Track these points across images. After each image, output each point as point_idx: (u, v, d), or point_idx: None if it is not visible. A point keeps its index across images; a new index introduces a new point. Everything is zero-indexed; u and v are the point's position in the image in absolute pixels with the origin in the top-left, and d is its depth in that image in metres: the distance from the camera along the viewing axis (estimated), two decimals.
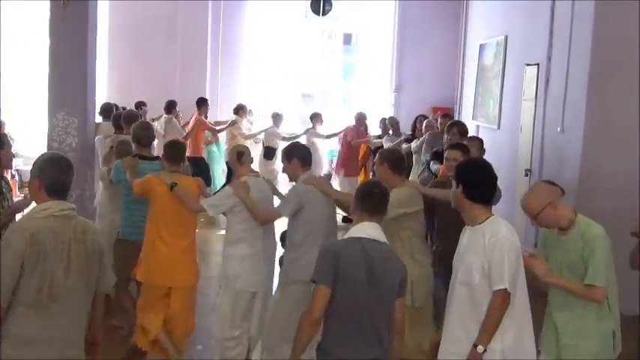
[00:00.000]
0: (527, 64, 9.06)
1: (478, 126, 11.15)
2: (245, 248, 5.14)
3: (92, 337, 3.49)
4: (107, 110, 8.96)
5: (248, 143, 10.92)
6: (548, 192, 3.85)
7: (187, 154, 10.96)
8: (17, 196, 8.83)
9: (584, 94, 7.34)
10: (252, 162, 5.49)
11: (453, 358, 3.60)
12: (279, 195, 5.62)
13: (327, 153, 12.63)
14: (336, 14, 13.55)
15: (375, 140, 11.15)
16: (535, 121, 8.71)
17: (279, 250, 5.51)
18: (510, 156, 9.41)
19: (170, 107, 11.12)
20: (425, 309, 5.26)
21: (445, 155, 5.82)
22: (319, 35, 14.89)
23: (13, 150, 5.49)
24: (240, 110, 11.63)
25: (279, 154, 9.47)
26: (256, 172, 5.54)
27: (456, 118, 11.14)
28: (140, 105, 10.90)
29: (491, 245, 3.51)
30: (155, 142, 8.60)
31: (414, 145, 9.50)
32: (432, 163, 7.34)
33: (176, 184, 5.11)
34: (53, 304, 3.20)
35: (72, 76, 6.68)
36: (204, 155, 11.42)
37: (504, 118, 10.13)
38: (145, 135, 5.94)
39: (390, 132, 10.75)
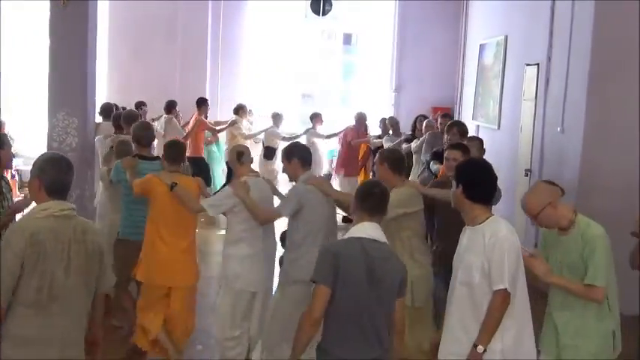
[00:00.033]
0: (527, 64, 9.06)
1: (478, 126, 11.14)
2: (245, 248, 5.14)
3: (92, 337, 3.49)
4: (107, 110, 8.96)
5: (248, 143, 10.92)
6: (548, 192, 3.85)
7: (187, 154, 11.04)
8: (17, 196, 8.83)
9: (584, 94, 7.33)
10: (252, 162, 5.49)
11: (453, 358, 3.60)
12: (279, 195, 5.63)
13: (326, 153, 12.63)
14: (336, 14, 13.55)
15: (374, 140, 11.15)
16: (535, 121, 8.71)
17: (279, 250, 5.51)
18: (510, 156, 9.41)
19: (170, 107, 11.12)
20: (425, 309, 5.26)
21: (445, 155, 5.81)
22: (319, 35, 14.89)
23: (13, 150, 5.49)
24: (240, 110, 11.63)
25: (279, 154, 9.46)
26: (256, 172, 5.54)
27: (455, 118, 11.14)
28: (140, 105, 10.90)
29: (491, 245, 3.51)
30: (155, 142, 8.60)
31: (414, 145, 9.50)
32: (432, 163, 7.34)
33: (176, 184, 5.11)
34: (53, 304, 3.20)
35: (72, 76, 6.68)
36: (205, 155, 11.43)
37: (504, 118, 10.13)
38: (145, 135, 5.94)
39: (390, 132, 10.75)
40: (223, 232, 5.73)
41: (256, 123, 12.63)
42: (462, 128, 7.14)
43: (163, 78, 12.53)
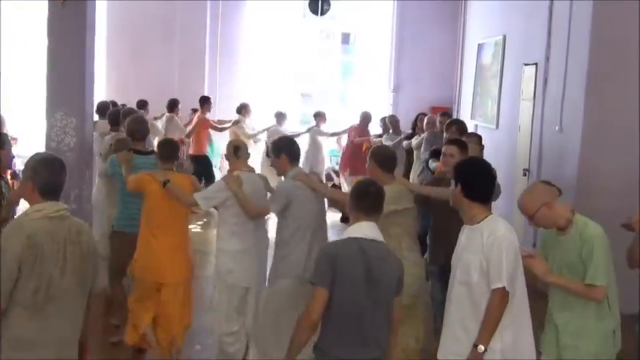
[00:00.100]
0: (526, 64, 9.07)
1: (476, 125, 11.15)
2: (237, 243, 5.16)
3: (82, 338, 3.45)
4: (103, 108, 9.00)
5: (248, 143, 10.94)
6: (545, 192, 3.86)
7: (190, 152, 11.15)
8: None
9: (583, 93, 7.34)
10: (248, 157, 5.50)
11: (453, 358, 3.60)
12: (272, 191, 5.63)
13: (327, 152, 12.67)
14: (334, 14, 13.54)
15: (375, 139, 11.16)
16: (533, 120, 8.71)
17: (272, 246, 5.51)
18: (509, 155, 9.41)
19: (172, 106, 11.21)
20: (412, 307, 5.17)
21: (442, 151, 5.78)
22: (317, 35, 14.86)
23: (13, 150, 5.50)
24: (243, 109, 11.67)
25: None
26: (251, 167, 5.55)
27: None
28: (144, 105, 10.90)
29: (490, 244, 3.51)
30: (156, 140, 8.65)
31: (414, 141, 9.50)
32: (430, 160, 7.34)
33: (168, 180, 5.15)
34: (49, 306, 3.19)
35: (70, 75, 6.66)
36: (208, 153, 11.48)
37: (503, 118, 10.14)
38: (139, 129, 5.99)
39: (390, 130, 10.76)
40: None
41: (255, 122, 12.61)
42: (461, 126, 7.14)
43: (161, 78, 12.53)
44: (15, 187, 7.52)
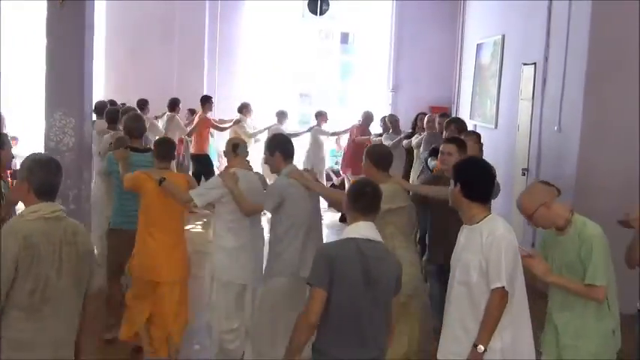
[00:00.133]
0: (525, 64, 9.07)
1: (475, 125, 11.13)
2: (233, 240, 5.17)
3: (77, 338, 3.43)
4: (101, 108, 9.00)
5: (249, 142, 10.94)
6: (543, 192, 3.85)
7: (191, 151, 11.16)
8: None
9: (581, 93, 7.34)
10: (247, 155, 5.51)
11: (453, 358, 3.60)
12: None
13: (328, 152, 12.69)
14: (333, 14, 13.55)
15: (375, 139, 11.16)
16: (532, 120, 8.71)
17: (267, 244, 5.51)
18: (507, 155, 9.42)
19: (173, 105, 11.24)
20: (407, 305, 5.15)
21: (440, 149, 5.75)
22: (316, 35, 14.87)
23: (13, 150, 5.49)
24: (244, 109, 11.68)
25: None
26: (249, 165, 5.55)
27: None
28: (144, 104, 10.90)
29: (489, 244, 3.50)
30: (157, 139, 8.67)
31: (414, 140, 9.50)
32: (429, 159, 7.33)
33: (164, 178, 5.15)
34: (45, 307, 3.18)
35: (69, 75, 6.67)
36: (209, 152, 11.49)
37: (501, 118, 10.14)
38: (136, 127, 5.99)
39: (390, 130, 10.76)
40: None
41: (255, 122, 12.62)
42: (460, 125, 7.13)
43: (160, 78, 12.53)
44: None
